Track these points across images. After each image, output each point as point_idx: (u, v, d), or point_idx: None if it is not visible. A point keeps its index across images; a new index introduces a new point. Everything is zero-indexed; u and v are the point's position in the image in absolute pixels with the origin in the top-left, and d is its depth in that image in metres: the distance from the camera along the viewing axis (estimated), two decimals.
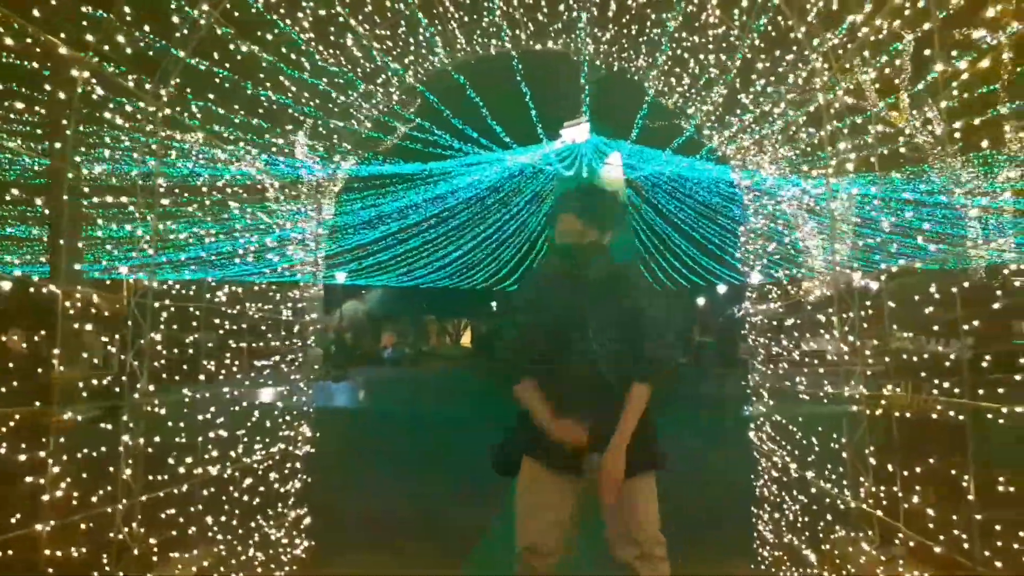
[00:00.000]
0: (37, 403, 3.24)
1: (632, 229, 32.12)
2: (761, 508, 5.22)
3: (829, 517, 3.89)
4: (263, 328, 5.07)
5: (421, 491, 8.11)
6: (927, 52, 3.57)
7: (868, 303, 3.78)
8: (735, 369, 24.82)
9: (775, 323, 4.99)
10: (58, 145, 3.05)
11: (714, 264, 40.17)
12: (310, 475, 5.64)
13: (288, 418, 5.40)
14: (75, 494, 3.19)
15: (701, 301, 50.07)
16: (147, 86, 3.59)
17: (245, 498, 4.69)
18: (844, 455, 3.53)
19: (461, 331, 58.66)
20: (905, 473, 3.17)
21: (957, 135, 3.47)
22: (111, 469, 3.44)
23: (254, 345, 4.81)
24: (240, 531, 4.63)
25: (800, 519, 4.35)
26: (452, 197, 29.09)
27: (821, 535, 4.03)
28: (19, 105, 3.44)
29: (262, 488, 4.99)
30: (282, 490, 5.26)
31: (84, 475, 3.31)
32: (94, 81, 3.15)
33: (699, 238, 36.70)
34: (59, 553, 3.24)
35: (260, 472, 4.95)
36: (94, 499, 3.28)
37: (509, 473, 3.37)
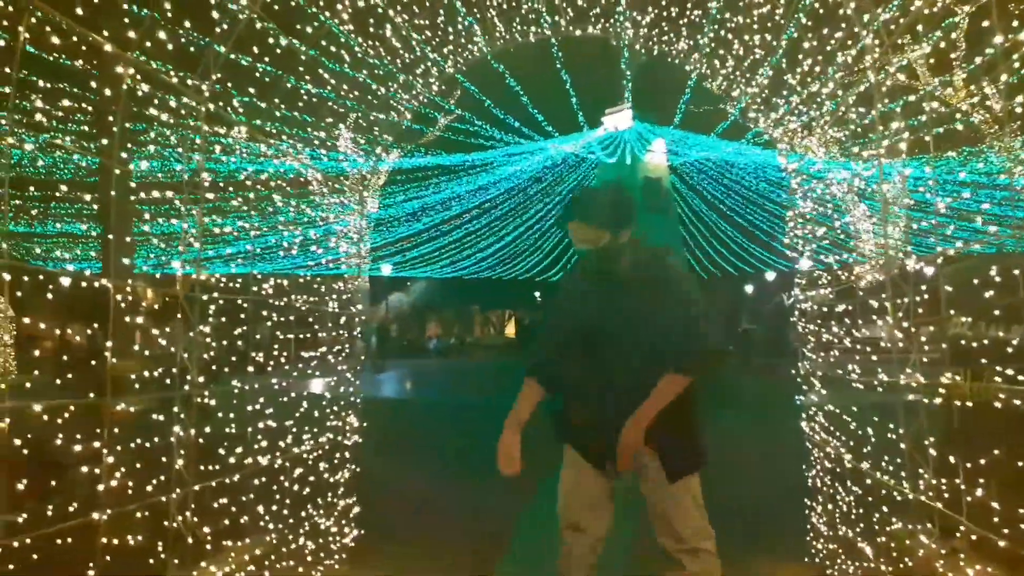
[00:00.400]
0: (92, 394, 3.31)
1: (677, 216, 31.70)
2: (814, 499, 5.11)
3: (885, 509, 3.78)
4: (310, 320, 5.12)
5: (467, 480, 8.12)
6: (985, 24, 3.43)
7: (923, 288, 3.64)
8: (784, 358, 24.45)
9: (826, 310, 4.86)
10: (105, 142, 3.11)
11: (762, 251, 39.58)
12: (358, 465, 5.70)
13: (336, 408, 5.46)
14: (130, 483, 3.26)
15: (749, 288, 49.36)
16: (189, 82, 3.62)
17: (295, 487, 4.75)
18: (902, 445, 3.41)
19: (505, 321, 58.77)
20: (968, 464, 3.05)
21: (1019, 110, 3.31)
22: (163, 459, 3.51)
23: (301, 336, 4.86)
24: (291, 520, 4.70)
25: (855, 511, 4.24)
26: (494, 188, 29.11)
27: (877, 528, 3.92)
28: (67, 103, 3.51)
29: (312, 478, 5.05)
30: (331, 479, 5.32)
31: (138, 464, 3.38)
32: (139, 78, 3.19)
33: (746, 224, 36.19)
34: (116, 541, 3.32)
35: (309, 462, 5.01)
36: (148, 488, 3.34)
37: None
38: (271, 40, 4.13)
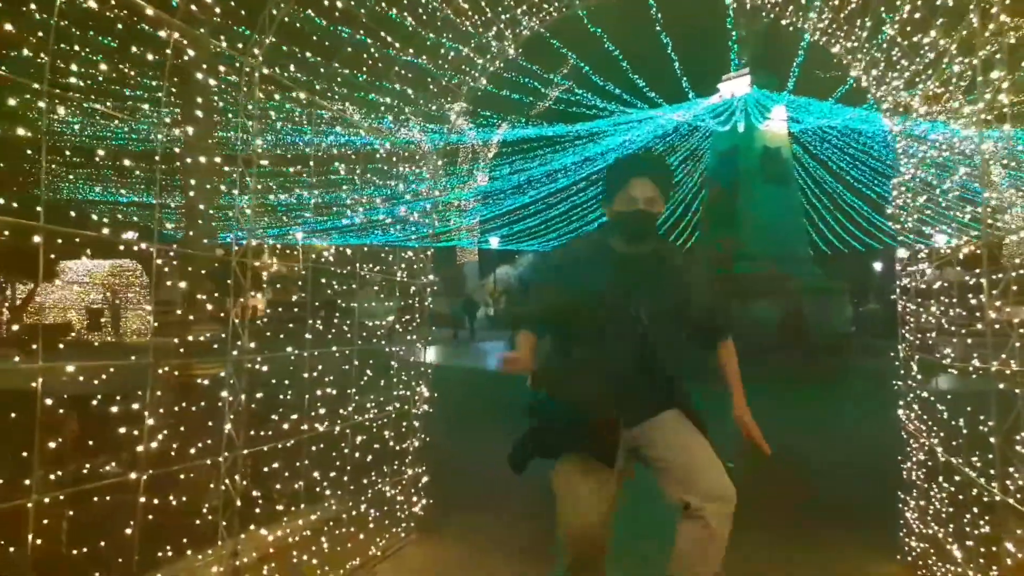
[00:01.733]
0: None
1: (797, 186, 30.12)
2: (908, 494, 4.67)
3: (976, 510, 3.37)
4: (375, 288, 5.11)
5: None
6: None
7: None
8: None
9: (924, 287, 4.39)
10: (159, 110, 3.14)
11: (889, 224, 37.08)
12: (428, 434, 5.68)
13: (405, 378, 5.44)
14: (174, 445, 3.32)
15: (878, 266, 46.49)
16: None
17: (357, 455, 4.77)
18: (991, 440, 3.00)
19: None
20: None
21: None
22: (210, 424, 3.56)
23: (365, 305, 4.84)
24: (351, 488, 4.72)
25: (947, 509, 3.82)
26: (602, 159, 28.57)
27: (968, 529, 3.51)
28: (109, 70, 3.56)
29: (377, 446, 5.07)
30: (398, 448, 5.32)
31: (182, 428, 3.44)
32: (185, 43, 3.18)
33: (875, 197, 33.92)
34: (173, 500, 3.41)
35: (374, 430, 5.02)
36: (192, 451, 3.39)
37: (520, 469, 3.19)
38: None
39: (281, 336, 4.08)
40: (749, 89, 27.09)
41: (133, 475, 3.01)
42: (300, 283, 4.19)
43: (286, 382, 4.06)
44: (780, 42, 22.86)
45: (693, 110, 26.82)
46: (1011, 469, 2.91)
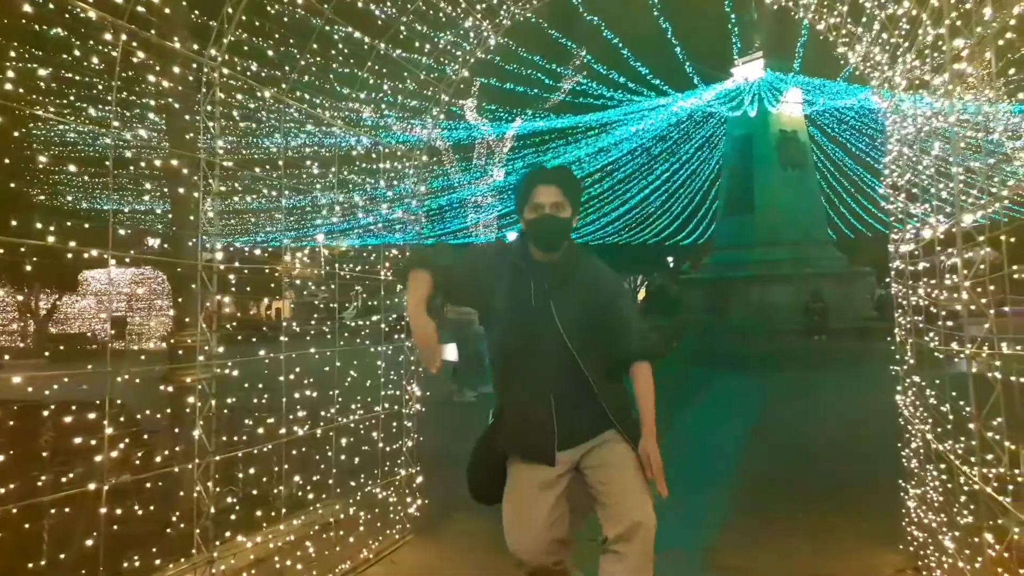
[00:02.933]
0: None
1: (815, 170, 29.65)
2: (907, 481, 4.53)
3: (963, 499, 3.22)
4: (358, 289, 5.04)
5: None
6: None
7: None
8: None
9: (913, 268, 4.23)
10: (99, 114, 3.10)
11: (913, 206, 36.38)
12: (421, 434, 5.62)
13: (395, 377, 5.38)
14: (139, 454, 3.28)
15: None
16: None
17: (343, 457, 4.71)
18: (970, 426, 2.86)
19: (638, 287, 57.73)
20: None
21: None
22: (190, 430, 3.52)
23: (346, 306, 4.78)
24: (338, 491, 4.67)
25: (938, 498, 3.67)
26: (615, 149, 28.37)
27: (958, 519, 3.36)
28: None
29: (366, 448, 5.01)
30: (388, 449, 5.26)
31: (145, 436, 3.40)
32: (134, 44, 3.13)
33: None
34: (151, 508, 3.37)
35: (361, 432, 4.96)
36: (157, 459, 3.35)
37: (486, 499, 3.29)
38: None
39: (254, 340, 4.02)
40: (763, 73, 26.71)
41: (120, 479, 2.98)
42: (321, 286, 4.14)
43: (259, 386, 4.00)
44: (784, 23, 22.56)
45: (705, 96, 26.50)
46: (990, 456, 2.76)
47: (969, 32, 2.88)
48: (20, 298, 30.13)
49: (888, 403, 4.81)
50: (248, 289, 3.91)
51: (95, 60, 3.11)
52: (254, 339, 4.10)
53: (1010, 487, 2.92)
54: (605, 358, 3.13)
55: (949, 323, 3.49)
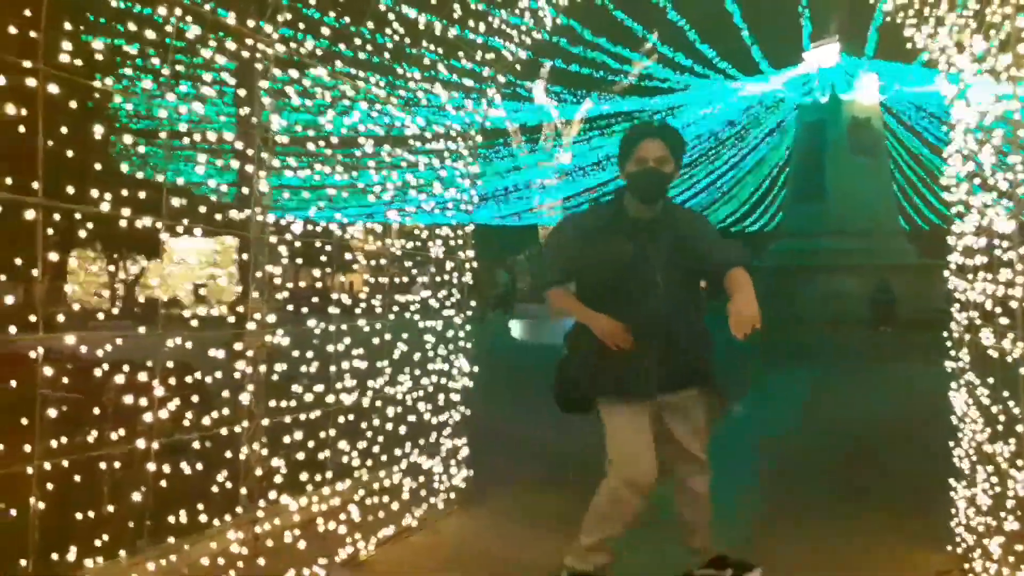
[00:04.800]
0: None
1: (889, 159, 28.64)
2: (958, 482, 4.40)
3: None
4: (408, 264, 5.15)
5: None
6: None
7: None
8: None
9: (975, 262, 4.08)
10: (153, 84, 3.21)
11: (995, 198, 34.83)
12: (469, 407, 5.72)
13: (443, 352, 5.48)
14: (189, 415, 3.44)
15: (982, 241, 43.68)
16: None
17: (389, 427, 4.84)
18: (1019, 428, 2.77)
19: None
20: None
21: None
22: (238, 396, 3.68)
23: (396, 281, 4.89)
24: (383, 459, 4.81)
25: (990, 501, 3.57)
26: (684, 131, 27.89)
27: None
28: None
29: (412, 418, 5.13)
30: (434, 421, 5.38)
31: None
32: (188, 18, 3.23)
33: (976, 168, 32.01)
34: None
35: (409, 403, 5.08)
36: (205, 421, 3.51)
37: (580, 409, 3.66)
38: None
39: (304, 310, 4.16)
40: (838, 58, 25.81)
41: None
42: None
43: (308, 354, 4.13)
44: (858, 5, 21.72)
45: (775, 81, 25.79)
46: None
47: None
48: (110, 266, 31.37)
49: (947, 400, 4.69)
50: (302, 262, 4.03)
51: (151, 33, 3.23)
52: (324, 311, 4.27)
53: None
54: (697, 294, 3.59)
55: (1005, 320, 3.38)
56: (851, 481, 6.39)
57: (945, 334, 4.63)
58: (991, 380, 3.67)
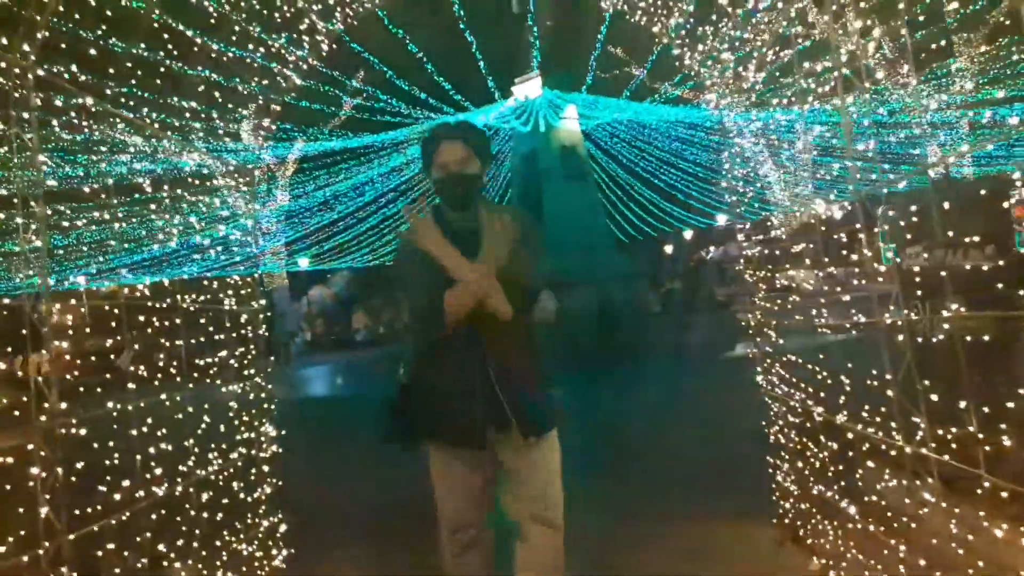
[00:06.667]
0: None
1: (594, 182, 31.48)
2: (778, 457, 4.78)
3: (871, 464, 3.43)
4: (202, 322, 4.44)
5: (406, 473, 7.55)
6: None
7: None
8: (710, 314, 24.61)
9: (778, 253, 4.51)
10: None
11: (680, 210, 39.85)
12: (280, 478, 5.09)
13: (246, 418, 4.82)
14: None
15: (668, 248, 49.78)
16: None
17: (205, 515, 4.12)
18: (889, 392, 3.05)
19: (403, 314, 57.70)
20: (963, 405, 2.69)
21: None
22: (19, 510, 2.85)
23: (192, 342, 4.18)
24: (203, 552, 4.07)
25: (833, 468, 3.89)
26: (408, 168, 28.24)
27: (861, 485, 3.58)
28: None
29: (225, 500, 4.42)
30: (249, 499, 4.69)
31: None
32: None
33: (662, 185, 36.36)
34: None
35: (220, 483, 4.37)
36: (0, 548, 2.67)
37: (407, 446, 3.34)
38: None
39: (99, 390, 3.38)
40: (540, 91, 27.86)
41: None
42: (113, 325, 3.50)
43: (110, 444, 3.36)
44: (575, 43, 23.74)
45: (492, 114, 27.15)
46: (915, 419, 2.94)
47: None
48: None
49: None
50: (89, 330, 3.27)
51: None
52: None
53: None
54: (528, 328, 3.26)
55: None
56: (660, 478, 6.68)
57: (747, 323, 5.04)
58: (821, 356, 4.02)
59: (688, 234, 50.25)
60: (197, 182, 4.54)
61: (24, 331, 2.88)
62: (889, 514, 3.29)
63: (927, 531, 3.02)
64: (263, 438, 4.94)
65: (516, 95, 28.26)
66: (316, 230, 29.32)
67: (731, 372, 14.49)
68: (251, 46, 4.57)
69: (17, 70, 2.99)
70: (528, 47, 26.03)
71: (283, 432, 5.14)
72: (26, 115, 3.00)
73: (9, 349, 3.01)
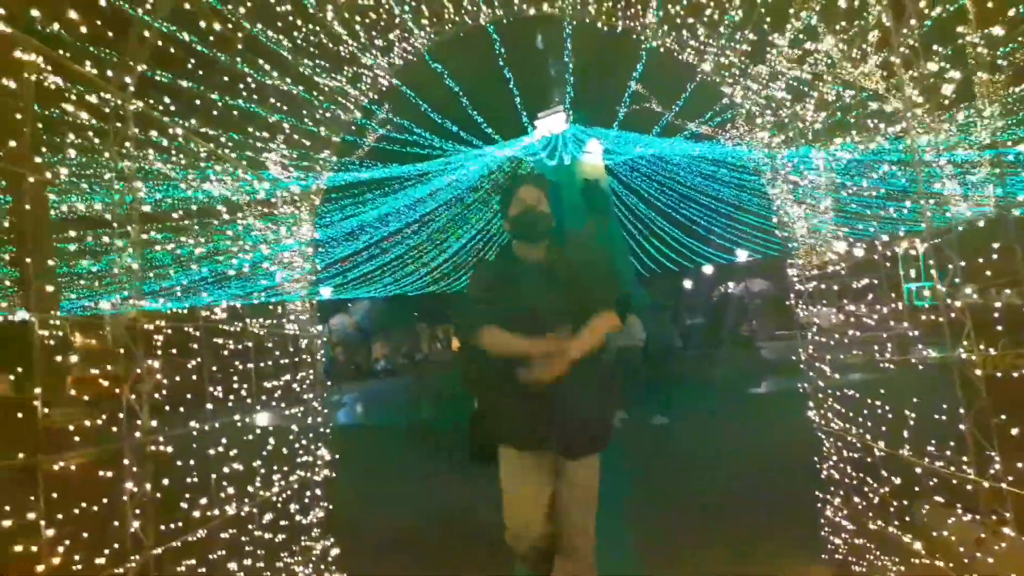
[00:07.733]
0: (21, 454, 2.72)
1: (616, 216, 31.68)
2: (834, 493, 4.77)
3: (940, 499, 3.46)
4: (268, 345, 4.56)
5: (444, 497, 7.62)
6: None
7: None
8: (734, 347, 24.45)
9: (836, 289, 4.56)
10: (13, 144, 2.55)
11: (700, 245, 39.91)
12: (332, 502, 5.15)
13: (304, 442, 4.90)
14: (76, 557, 2.68)
15: (688, 283, 49.69)
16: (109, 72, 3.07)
17: (267, 536, 4.19)
18: (961, 427, 3.09)
19: (453, 335, 57.73)
20: None
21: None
22: (115, 523, 2.93)
23: (261, 365, 4.29)
24: (267, 573, 4.13)
25: (895, 503, 3.90)
26: (431, 199, 28.54)
27: (927, 520, 3.60)
28: None
29: (284, 522, 4.49)
30: (304, 521, 4.76)
31: (85, 533, 2.80)
32: (48, 68, 2.63)
33: (683, 219, 36.48)
34: None
35: (278, 504, 4.45)
36: (100, 560, 2.76)
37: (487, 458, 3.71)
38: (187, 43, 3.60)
39: (181, 409, 3.49)
40: (566, 125, 28.22)
41: None
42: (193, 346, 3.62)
43: (191, 462, 3.46)
44: (604, 82, 24.10)
45: (513, 148, 27.48)
46: (993, 455, 2.97)
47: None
48: None
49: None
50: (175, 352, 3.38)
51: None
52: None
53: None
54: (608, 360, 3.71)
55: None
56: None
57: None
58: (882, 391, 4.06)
59: (708, 269, 50.23)
60: (265, 209, 4.68)
61: (121, 350, 2.99)
62: (961, 549, 3.30)
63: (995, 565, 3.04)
64: (319, 461, 5.02)
65: (539, 129, 28.67)
66: (340, 259, 29.57)
67: (760, 408, 14.43)
68: (317, 80, 4.72)
69: (119, 101, 3.15)
70: (553, 82, 26.50)
71: (337, 456, 5.21)
72: (127, 144, 3.15)
73: (109, 367, 3.12)
